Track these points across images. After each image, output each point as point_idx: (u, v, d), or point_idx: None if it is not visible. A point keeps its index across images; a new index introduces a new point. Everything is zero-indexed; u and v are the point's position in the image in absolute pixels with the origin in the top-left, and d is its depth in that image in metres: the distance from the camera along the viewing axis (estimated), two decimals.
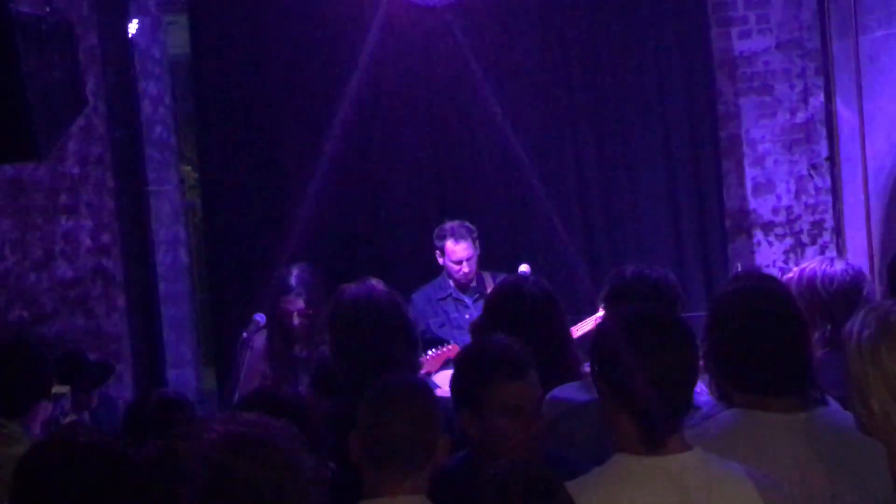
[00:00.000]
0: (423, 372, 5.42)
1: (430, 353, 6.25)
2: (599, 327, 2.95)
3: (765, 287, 3.29)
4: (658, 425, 2.68)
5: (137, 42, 7.50)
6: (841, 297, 3.99)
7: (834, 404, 3.23)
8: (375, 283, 3.98)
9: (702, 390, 3.58)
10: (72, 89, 5.15)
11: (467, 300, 6.80)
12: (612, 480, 2.70)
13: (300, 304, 5.58)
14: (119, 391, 6.77)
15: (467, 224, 6.83)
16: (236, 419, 2.19)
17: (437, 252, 6.84)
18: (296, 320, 5.58)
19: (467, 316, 6.64)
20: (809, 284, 4.08)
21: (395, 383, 3.03)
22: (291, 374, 5.64)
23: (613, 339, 2.76)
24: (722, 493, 2.67)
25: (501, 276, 5.92)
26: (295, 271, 5.66)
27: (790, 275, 4.27)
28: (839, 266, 4.13)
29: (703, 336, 3.16)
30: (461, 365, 3.27)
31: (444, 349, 6.34)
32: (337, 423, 3.18)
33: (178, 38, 8.09)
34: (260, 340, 5.68)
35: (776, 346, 2.99)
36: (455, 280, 6.79)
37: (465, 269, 6.75)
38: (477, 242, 6.80)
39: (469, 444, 3.20)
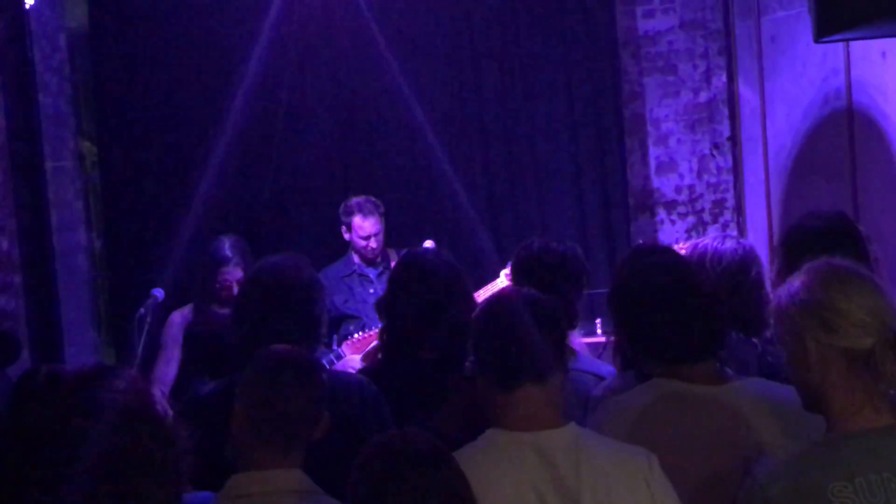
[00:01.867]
0: (349, 355, 5.37)
1: (355, 336, 6.18)
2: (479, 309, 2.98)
3: (666, 259, 3.31)
4: (505, 373, 2.76)
5: (34, 13, 7.33)
6: (727, 276, 4.02)
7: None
8: (289, 259, 3.83)
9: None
10: None
11: (371, 274, 6.76)
12: (482, 454, 2.70)
13: (239, 273, 5.51)
14: (15, 371, 6.62)
15: (374, 199, 6.79)
16: (108, 388, 2.12)
17: (343, 228, 6.79)
18: (234, 291, 5.51)
19: (371, 290, 6.61)
20: (699, 260, 4.11)
21: (277, 357, 2.98)
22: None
23: (477, 314, 2.91)
24: (591, 471, 2.67)
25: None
26: (228, 242, 5.61)
27: (680, 246, 4.29)
28: (729, 244, 4.15)
29: (608, 310, 3.21)
30: None
31: (370, 332, 6.23)
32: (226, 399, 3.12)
33: (76, 10, 7.92)
34: (178, 318, 5.59)
35: (686, 315, 3.02)
36: (362, 256, 6.75)
37: (373, 244, 6.72)
38: (383, 218, 6.77)
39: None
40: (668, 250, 3.56)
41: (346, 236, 6.80)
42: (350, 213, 6.75)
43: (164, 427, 2.00)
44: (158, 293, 5.47)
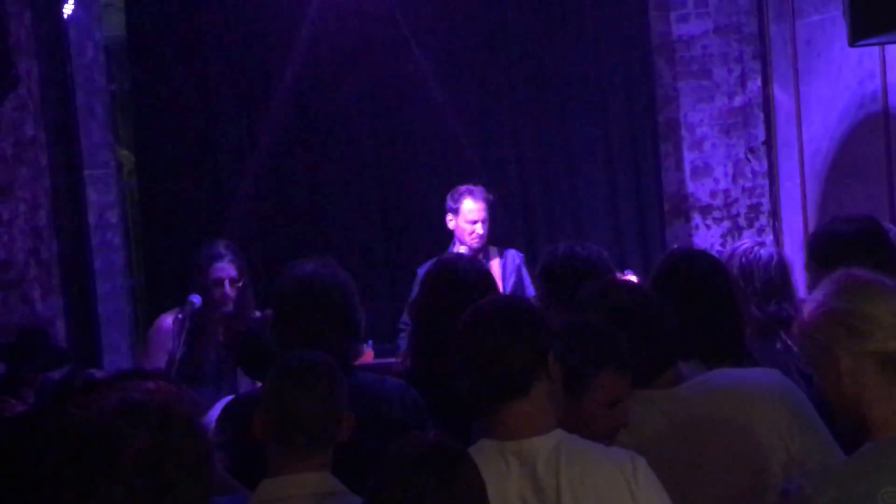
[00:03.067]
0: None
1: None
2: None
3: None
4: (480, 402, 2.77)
5: (73, 23, 7.40)
6: (764, 283, 4.04)
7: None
8: (324, 263, 3.87)
9: None
10: (3, 67, 5.09)
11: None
12: None
13: (232, 271, 5.60)
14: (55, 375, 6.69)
15: (483, 188, 6.79)
16: (134, 387, 2.16)
17: (449, 216, 6.80)
18: (227, 288, 5.58)
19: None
20: (733, 263, 4.14)
21: (298, 360, 3.01)
22: (209, 356, 5.62)
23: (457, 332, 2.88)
24: (569, 475, 2.69)
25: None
26: (222, 242, 5.69)
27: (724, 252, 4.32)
28: (766, 251, 4.18)
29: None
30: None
31: None
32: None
33: (113, 19, 8.00)
34: (169, 319, 5.67)
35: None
36: (467, 245, 6.72)
37: (479, 230, 6.70)
38: (491, 210, 6.77)
39: None
40: (686, 257, 3.62)
41: (451, 224, 6.79)
42: (459, 198, 6.76)
43: (196, 425, 2.05)
44: (196, 299, 5.52)
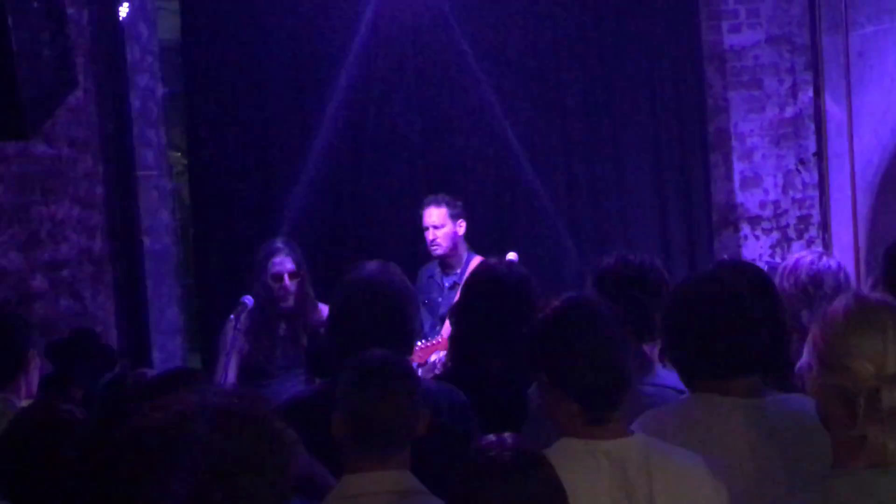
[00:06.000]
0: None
1: (418, 344, 6.22)
2: (537, 319, 2.96)
3: (710, 276, 3.36)
4: (598, 403, 2.74)
5: (128, 26, 7.48)
6: (827, 293, 4.05)
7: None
8: (385, 268, 3.85)
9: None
10: (62, 69, 5.14)
11: (446, 283, 6.76)
12: (556, 463, 2.72)
13: (290, 265, 5.66)
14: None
15: (447, 197, 6.82)
16: (214, 392, 2.18)
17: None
18: (286, 282, 5.63)
19: (440, 300, 6.64)
20: (796, 275, 4.14)
21: (373, 362, 3.02)
22: (273, 351, 5.67)
23: (548, 326, 2.86)
24: (663, 478, 2.69)
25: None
26: (279, 238, 5.76)
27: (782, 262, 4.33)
28: (827, 261, 4.20)
29: (660, 327, 3.28)
30: None
31: (434, 341, 6.27)
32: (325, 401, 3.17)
33: (168, 23, 8.08)
34: (230, 321, 5.73)
35: (723, 329, 3.03)
36: (430, 250, 6.77)
37: (430, 235, 6.73)
38: (455, 217, 6.77)
39: None
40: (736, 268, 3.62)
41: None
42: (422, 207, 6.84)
43: (269, 428, 2.04)
44: (248, 300, 5.56)
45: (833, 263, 4.20)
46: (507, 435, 2.55)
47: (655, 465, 2.70)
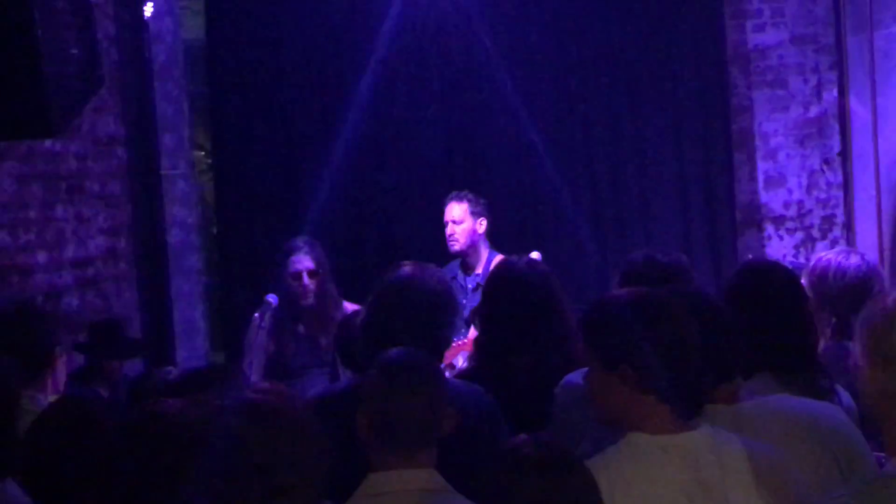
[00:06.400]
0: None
1: None
2: (604, 312, 2.89)
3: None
4: (690, 400, 2.74)
5: (152, 25, 7.51)
6: (849, 290, 4.02)
7: (843, 393, 3.29)
8: (422, 270, 3.78)
9: None
10: (88, 67, 5.15)
11: (469, 284, 6.74)
12: (627, 458, 2.71)
13: (309, 262, 5.67)
14: (129, 372, 6.78)
15: (471, 194, 6.81)
16: (249, 388, 2.19)
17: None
18: (305, 280, 5.64)
19: (464, 301, 6.62)
20: (822, 275, 4.11)
21: (399, 360, 3.02)
22: (295, 350, 5.69)
23: (625, 321, 2.78)
24: (732, 469, 2.68)
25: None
26: (300, 237, 5.79)
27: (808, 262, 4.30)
28: (854, 260, 4.16)
29: None
30: None
31: (461, 341, 6.24)
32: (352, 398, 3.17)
33: (193, 23, 8.11)
34: (257, 320, 5.75)
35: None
36: (448, 245, 6.76)
37: (449, 230, 6.72)
38: (476, 215, 6.76)
39: None
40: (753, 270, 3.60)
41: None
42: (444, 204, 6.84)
43: (303, 424, 2.05)
44: (273, 299, 5.58)
45: (852, 262, 4.17)
46: (541, 433, 2.55)
47: (724, 456, 2.69)
